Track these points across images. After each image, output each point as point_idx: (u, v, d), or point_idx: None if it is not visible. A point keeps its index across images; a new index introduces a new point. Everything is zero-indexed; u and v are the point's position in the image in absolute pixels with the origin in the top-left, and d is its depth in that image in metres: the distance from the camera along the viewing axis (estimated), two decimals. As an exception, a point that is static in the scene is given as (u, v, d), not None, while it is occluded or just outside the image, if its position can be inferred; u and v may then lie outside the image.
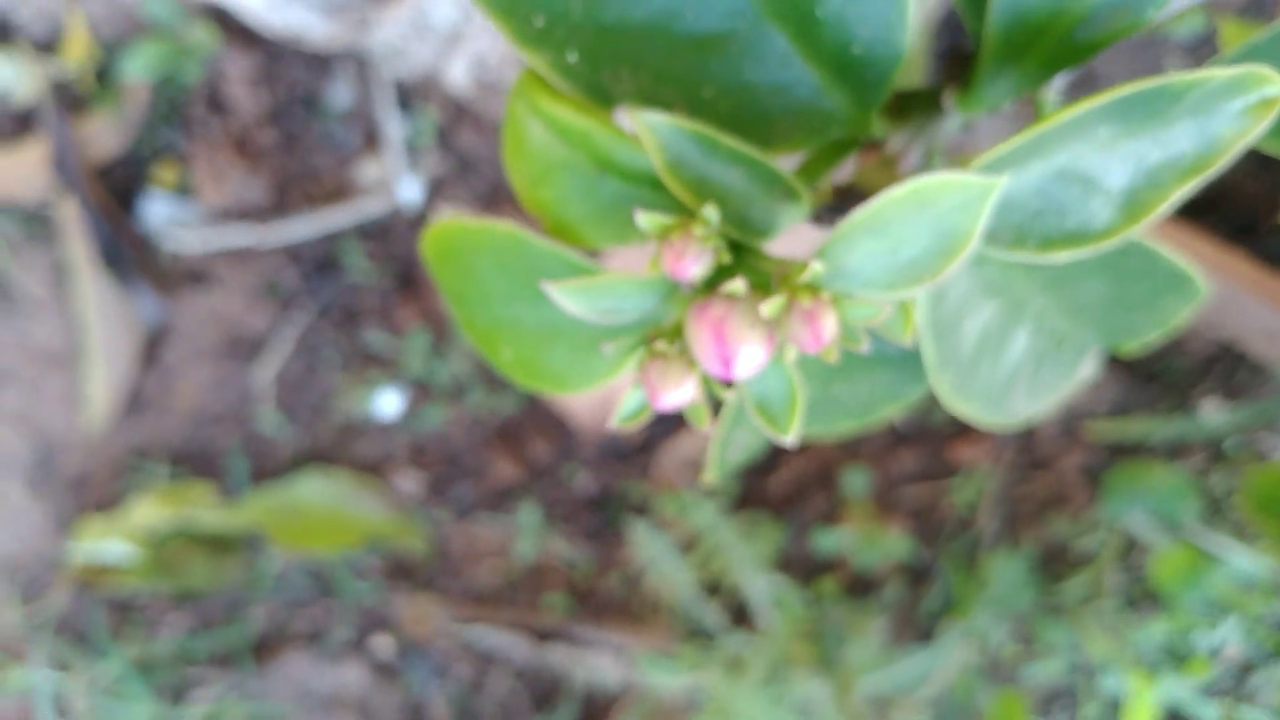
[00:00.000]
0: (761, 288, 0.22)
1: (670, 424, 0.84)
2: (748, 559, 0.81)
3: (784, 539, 0.86)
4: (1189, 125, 0.22)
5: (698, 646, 0.83)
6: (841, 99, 0.22)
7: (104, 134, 0.72)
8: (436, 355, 0.79)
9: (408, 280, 0.78)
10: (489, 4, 0.22)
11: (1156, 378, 0.83)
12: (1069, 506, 0.88)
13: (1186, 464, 0.82)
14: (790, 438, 0.23)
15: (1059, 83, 0.28)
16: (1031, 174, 0.22)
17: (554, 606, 0.86)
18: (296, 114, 0.73)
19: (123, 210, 0.74)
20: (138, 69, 0.68)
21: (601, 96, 0.22)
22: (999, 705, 0.76)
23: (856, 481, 0.85)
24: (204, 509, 0.80)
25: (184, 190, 0.74)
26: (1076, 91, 0.67)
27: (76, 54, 0.69)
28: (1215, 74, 0.21)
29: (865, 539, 0.86)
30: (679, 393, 0.23)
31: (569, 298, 0.22)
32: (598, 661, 0.87)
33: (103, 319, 0.74)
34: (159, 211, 0.74)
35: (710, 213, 0.21)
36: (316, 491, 0.81)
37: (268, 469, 0.82)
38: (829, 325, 0.21)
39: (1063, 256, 0.23)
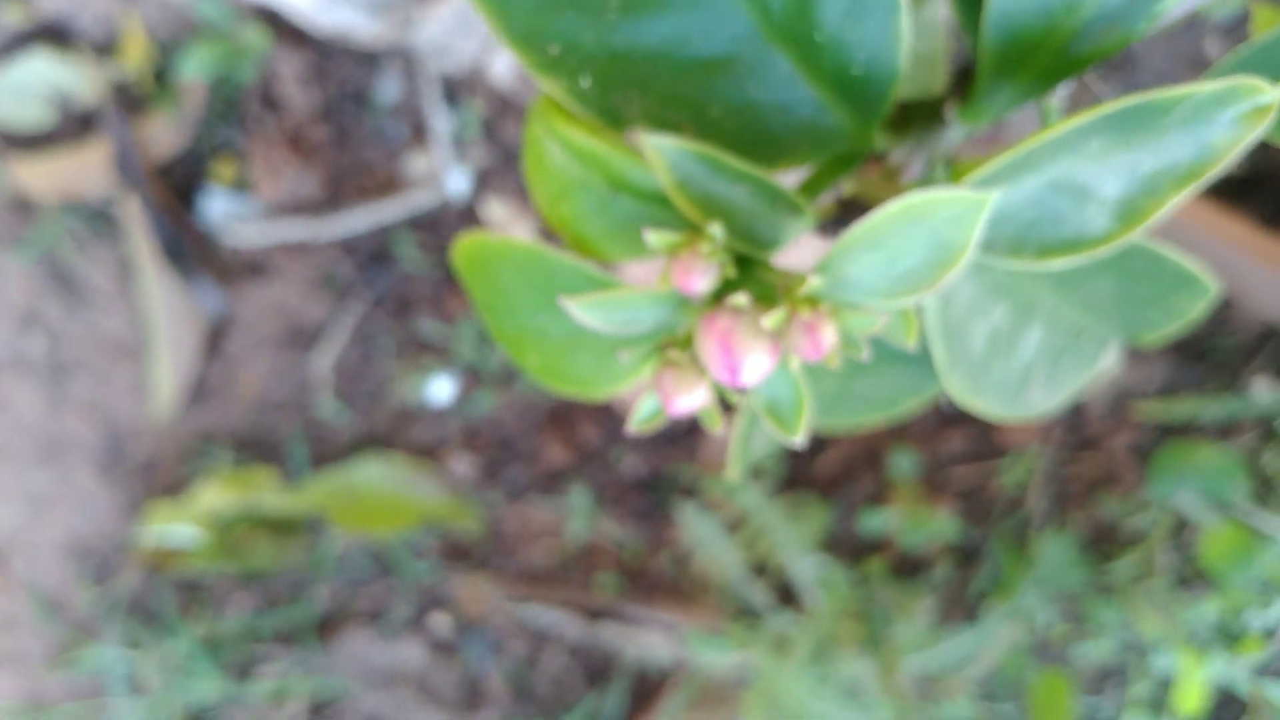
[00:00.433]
0: (766, 299, 0.23)
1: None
2: (793, 540, 0.82)
3: (831, 520, 0.87)
4: (1183, 134, 0.23)
5: (746, 625, 0.85)
6: (843, 116, 0.23)
7: (164, 133, 0.74)
8: (486, 343, 0.81)
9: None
10: (507, 35, 0.23)
11: (1205, 356, 0.82)
12: (1119, 486, 0.88)
13: (1236, 443, 0.82)
14: (799, 439, 0.24)
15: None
16: (1026, 186, 0.23)
17: (605, 586, 0.87)
18: (347, 110, 0.76)
19: (183, 206, 0.77)
20: (194, 69, 0.71)
21: (614, 119, 0.23)
22: (1044, 685, 0.76)
23: (904, 463, 0.86)
24: (267, 493, 0.83)
25: (242, 186, 0.77)
26: (1113, 75, 0.67)
27: (135, 57, 0.72)
28: (1201, 88, 0.22)
29: (912, 520, 0.86)
30: (691, 398, 0.24)
31: (586, 311, 0.23)
32: (649, 639, 0.88)
33: (167, 311, 0.77)
34: (218, 207, 0.77)
35: (716, 230, 0.22)
36: (374, 475, 0.84)
37: (328, 454, 0.84)
38: (828, 336, 0.22)
39: (1060, 263, 0.23)
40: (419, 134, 0.77)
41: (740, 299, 0.22)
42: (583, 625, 0.87)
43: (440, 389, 0.82)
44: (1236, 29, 0.58)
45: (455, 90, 0.76)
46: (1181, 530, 0.85)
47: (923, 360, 0.35)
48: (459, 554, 0.87)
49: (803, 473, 0.88)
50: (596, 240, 0.24)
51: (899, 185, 0.24)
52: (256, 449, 0.84)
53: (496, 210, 0.76)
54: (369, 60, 0.75)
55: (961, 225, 0.22)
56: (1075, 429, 0.88)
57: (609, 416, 0.84)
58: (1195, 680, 0.81)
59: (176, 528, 0.81)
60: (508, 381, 0.82)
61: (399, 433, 0.84)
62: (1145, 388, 0.84)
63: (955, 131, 0.25)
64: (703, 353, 0.23)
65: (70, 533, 0.83)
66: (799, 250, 0.26)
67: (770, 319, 0.22)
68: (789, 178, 0.25)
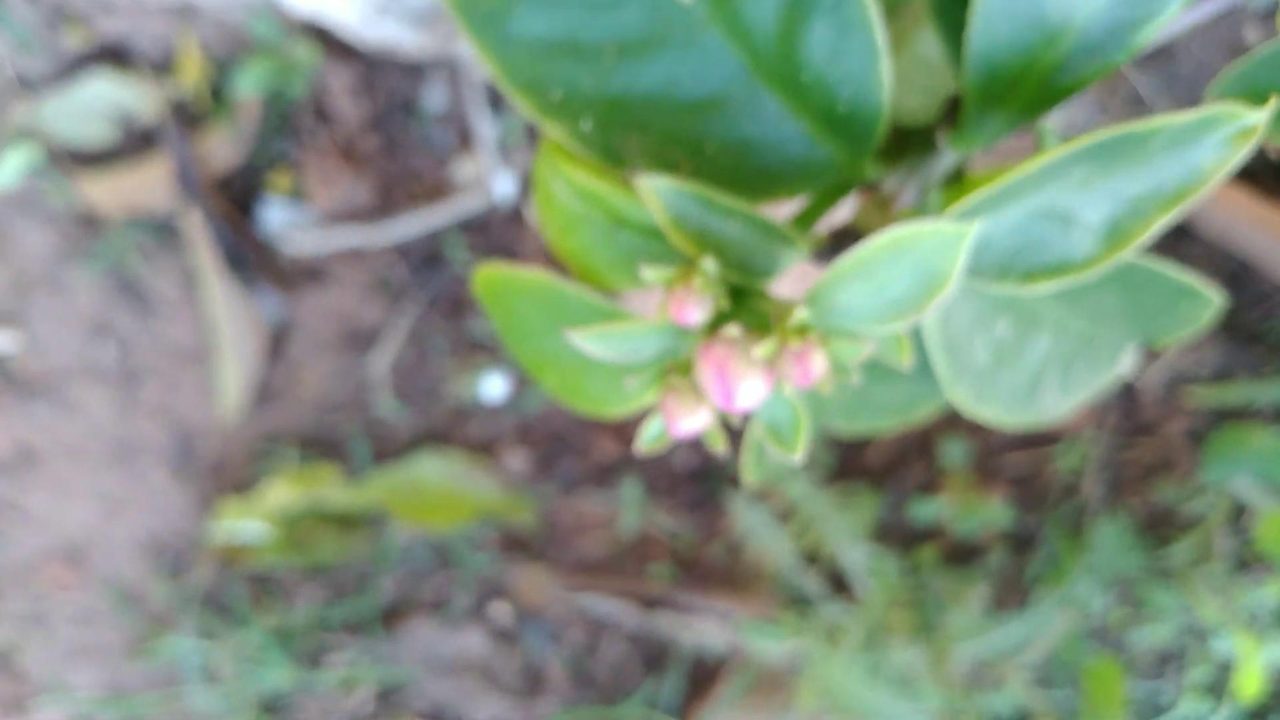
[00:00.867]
0: (761, 327, 0.24)
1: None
2: (843, 529, 0.83)
3: (882, 509, 0.88)
4: (1168, 158, 0.24)
5: (798, 614, 0.86)
6: (833, 150, 0.24)
7: (221, 147, 0.77)
8: (537, 341, 0.82)
9: (507, 270, 0.82)
10: (510, 82, 0.25)
11: (1261, 339, 0.81)
12: (1175, 471, 0.87)
13: (1292, 427, 0.81)
14: (798, 457, 0.26)
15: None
16: (1010, 215, 0.24)
17: (659, 575, 0.89)
18: (396, 120, 0.78)
19: (243, 217, 0.80)
20: (248, 86, 0.73)
21: (614, 158, 0.25)
22: (1097, 672, 0.76)
23: (955, 451, 0.86)
24: (331, 489, 0.86)
25: (298, 195, 0.79)
26: (1151, 64, 0.67)
27: (191, 75, 0.75)
28: (1176, 119, 0.23)
29: (964, 508, 0.86)
30: (694, 419, 0.25)
31: (591, 343, 0.24)
32: (703, 627, 0.90)
33: (230, 318, 0.80)
34: (276, 216, 0.79)
35: (709, 265, 0.23)
36: (433, 471, 0.86)
37: (387, 450, 0.87)
38: (817, 364, 0.23)
39: (1047, 287, 0.24)
40: (465, 141, 0.79)
41: (733, 330, 0.23)
42: (638, 614, 0.89)
43: (493, 386, 0.84)
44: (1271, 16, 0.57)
45: (499, 98, 0.77)
46: (1240, 514, 0.85)
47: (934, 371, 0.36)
48: (516, 546, 0.89)
49: (854, 462, 0.88)
50: (602, 271, 0.26)
51: (892, 213, 0.25)
52: (320, 447, 0.87)
53: (543, 211, 0.78)
54: (415, 71, 0.77)
55: (945, 255, 0.23)
56: (1129, 414, 0.87)
57: (659, 410, 0.85)
58: (1254, 665, 0.80)
59: (246, 524, 0.84)
60: (559, 378, 0.84)
61: (455, 429, 0.86)
62: (1199, 371, 0.84)
63: (948, 158, 0.26)
64: (701, 379, 0.24)
65: (145, 530, 0.87)
66: (800, 276, 0.27)
67: (762, 349, 0.23)
68: (786, 207, 0.27)
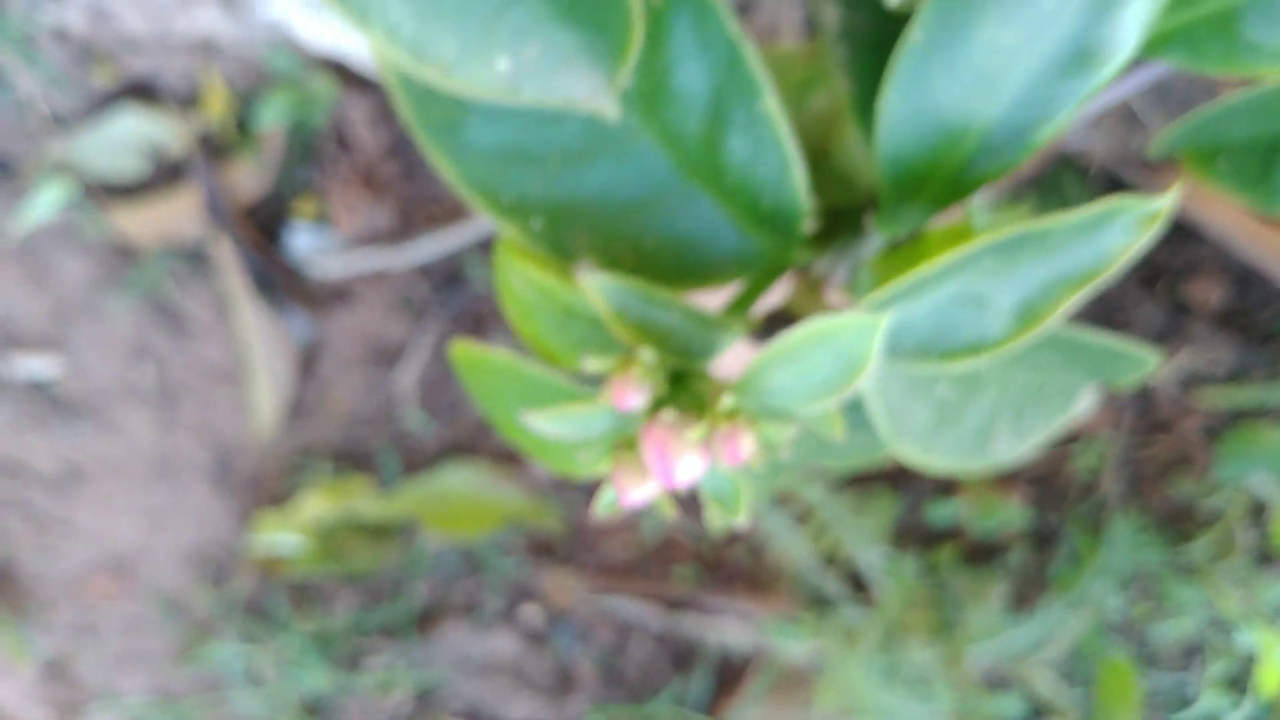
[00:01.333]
0: (699, 408, 0.26)
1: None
2: (860, 531, 0.85)
3: (900, 510, 0.89)
4: (1076, 244, 0.25)
5: (818, 614, 0.88)
6: (762, 241, 0.26)
7: (248, 177, 0.80)
8: (556, 355, 0.85)
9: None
10: (465, 187, 0.27)
11: (1274, 338, 0.82)
12: (1193, 467, 0.88)
13: (1306, 425, 0.81)
14: (741, 521, 0.28)
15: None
16: (926, 302, 0.25)
17: (684, 577, 0.91)
18: (413, 147, 0.80)
19: (270, 243, 0.83)
20: (271, 118, 0.76)
21: (563, 253, 0.27)
22: (1110, 672, 0.77)
23: (970, 452, 0.87)
24: (363, 500, 0.89)
25: (323, 221, 0.82)
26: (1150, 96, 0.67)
27: (216, 108, 0.78)
28: (1073, 217, 0.24)
29: (982, 508, 0.88)
30: (642, 490, 0.27)
31: (546, 423, 0.27)
32: (728, 627, 0.92)
33: (262, 339, 0.83)
34: (303, 242, 0.82)
35: (646, 355, 0.26)
36: (460, 480, 0.89)
37: (416, 462, 0.90)
38: (745, 446, 0.25)
39: (964, 365, 0.26)
40: (481, 163, 0.81)
41: (668, 416, 0.25)
42: (664, 615, 0.91)
43: (515, 400, 0.86)
44: None
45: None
46: (1261, 509, 0.85)
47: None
48: (544, 550, 0.92)
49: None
50: (559, 352, 0.28)
51: (823, 295, 0.27)
52: (352, 460, 0.90)
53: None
54: (431, 96, 0.79)
55: (862, 342, 0.25)
56: (1146, 412, 0.88)
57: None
58: (1276, 659, 0.81)
59: (283, 536, 0.87)
60: (578, 390, 0.86)
61: (480, 440, 0.89)
62: (1214, 370, 0.84)
63: (874, 241, 0.28)
64: (645, 456, 0.26)
65: (188, 542, 0.91)
66: (744, 352, 0.29)
67: (694, 432, 0.25)
68: (726, 291, 0.28)
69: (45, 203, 0.79)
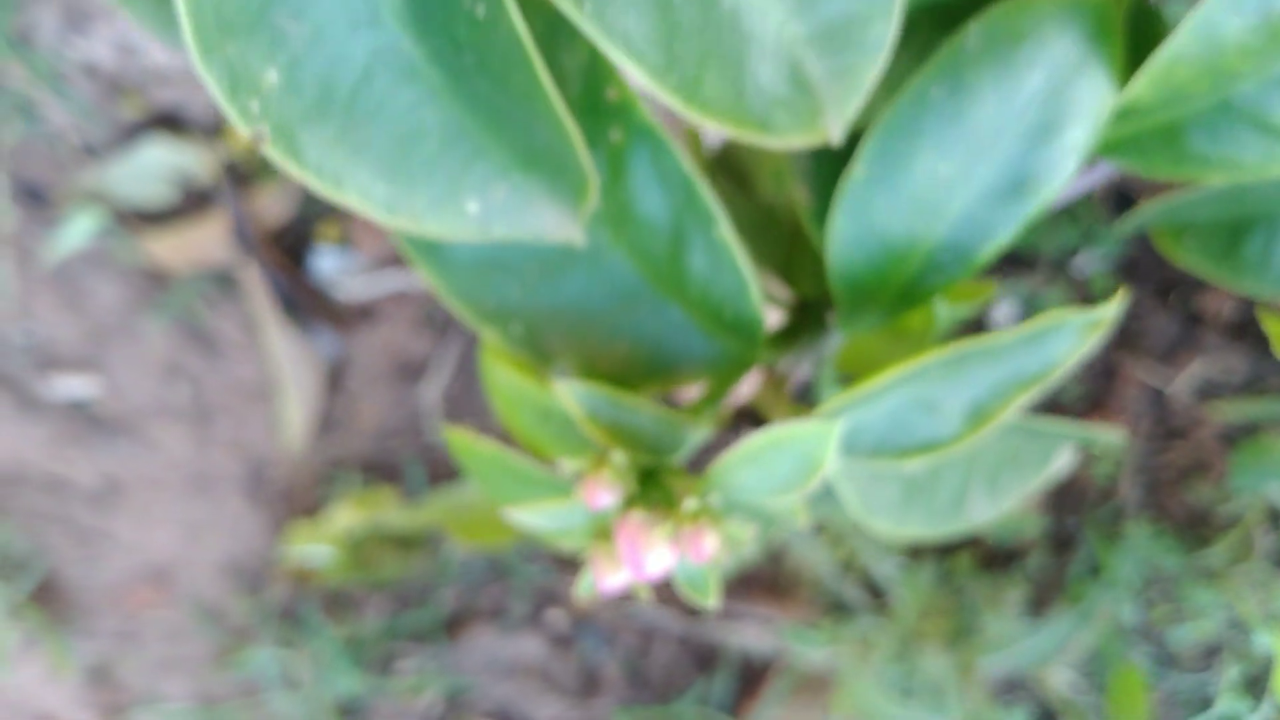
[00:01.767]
0: (668, 504, 0.28)
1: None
2: (874, 540, 0.86)
3: (916, 517, 0.90)
4: (1025, 351, 0.27)
5: (837, 620, 0.89)
6: (726, 345, 0.28)
7: (273, 203, 0.83)
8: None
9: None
10: (449, 294, 0.29)
11: (1289, 348, 0.82)
12: (1210, 473, 0.88)
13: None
14: (712, 603, 0.30)
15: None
16: (877, 409, 0.27)
17: (705, 584, 0.93)
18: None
19: (296, 266, 0.86)
20: (294, 147, 0.78)
21: (542, 355, 0.29)
22: (1120, 681, 0.78)
23: (985, 461, 0.88)
24: (391, 511, 0.92)
25: (346, 243, 0.85)
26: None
27: (241, 138, 0.80)
28: (1027, 328, 0.26)
29: (999, 517, 0.88)
30: (617, 578, 0.29)
31: (529, 517, 0.29)
32: (749, 631, 0.94)
33: (290, 357, 0.86)
34: (327, 264, 0.85)
35: (617, 458, 0.27)
36: (484, 492, 0.91)
37: (441, 473, 0.92)
38: (709, 543, 0.27)
39: (917, 463, 0.28)
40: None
41: (636, 516, 0.27)
42: (685, 619, 0.93)
43: (536, 414, 0.88)
44: None
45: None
46: (1279, 514, 0.86)
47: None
48: (566, 557, 0.94)
49: (887, 473, 0.91)
50: (542, 445, 0.30)
51: (785, 394, 0.29)
52: (380, 471, 0.93)
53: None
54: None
55: (818, 447, 0.26)
56: (1162, 420, 0.89)
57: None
58: (1290, 663, 0.82)
59: (315, 548, 0.90)
60: (597, 405, 0.88)
61: (504, 452, 0.91)
62: (1228, 379, 0.85)
63: (836, 338, 0.29)
64: (618, 548, 0.28)
65: (223, 552, 0.94)
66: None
67: (662, 530, 0.27)
68: (695, 388, 0.30)
69: (78, 230, 0.82)
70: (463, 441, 0.32)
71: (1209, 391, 0.85)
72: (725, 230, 0.25)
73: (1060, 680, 0.85)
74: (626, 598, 0.92)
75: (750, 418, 0.29)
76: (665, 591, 0.93)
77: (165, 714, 0.95)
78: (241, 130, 0.20)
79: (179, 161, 0.80)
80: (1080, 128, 0.24)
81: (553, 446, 0.30)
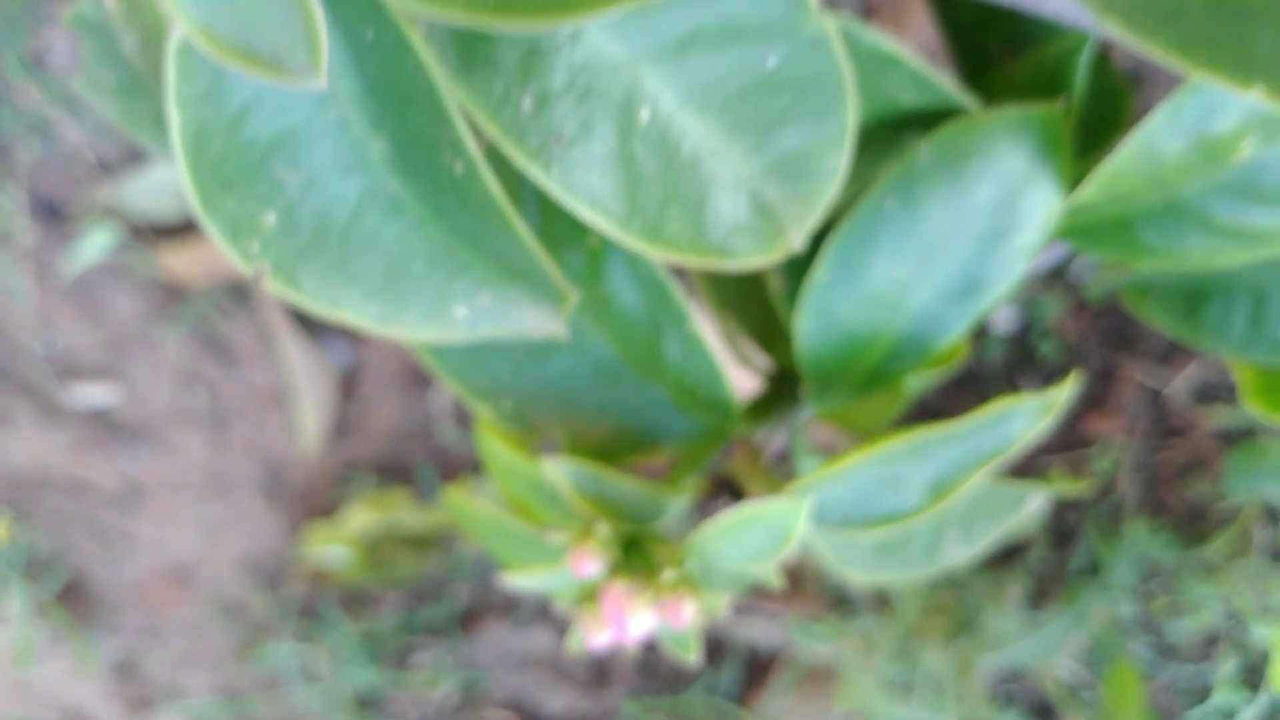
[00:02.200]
0: (650, 571, 0.30)
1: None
2: (878, 541, 0.88)
3: (918, 515, 0.92)
4: (982, 432, 0.28)
5: (841, 614, 0.91)
6: (704, 421, 0.30)
7: (285, 217, 0.85)
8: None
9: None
10: (445, 373, 0.30)
11: (1284, 351, 0.83)
12: (1208, 470, 0.90)
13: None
14: (694, 658, 0.32)
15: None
16: (845, 485, 0.29)
17: (712, 580, 0.95)
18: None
19: (308, 277, 0.88)
20: (304, 163, 0.80)
21: (532, 428, 0.31)
22: (1115, 677, 0.80)
23: (986, 459, 0.89)
24: (405, 512, 0.94)
25: (355, 253, 0.87)
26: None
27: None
28: (982, 415, 0.27)
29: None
30: (603, 638, 0.31)
31: (521, 580, 0.31)
32: (755, 624, 0.96)
33: (303, 365, 0.88)
34: (337, 274, 0.87)
35: (602, 530, 0.29)
36: (494, 491, 0.94)
37: (452, 475, 0.94)
38: (687, 612, 0.29)
39: (882, 533, 0.29)
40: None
41: (619, 585, 0.29)
42: (694, 614, 0.95)
43: (544, 418, 0.90)
44: None
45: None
46: (1276, 511, 0.87)
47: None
48: (577, 555, 0.96)
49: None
50: (533, 513, 0.32)
51: (761, 464, 0.31)
52: (393, 473, 0.95)
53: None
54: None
55: (789, 521, 0.28)
56: (1159, 419, 0.90)
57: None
58: (1284, 656, 0.83)
59: (331, 550, 0.93)
60: (604, 409, 0.90)
61: (514, 454, 0.93)
62: (1225, 380, 0.86)
63: (807, 411, 0.31)
64: (603, 612, 0.30)
65: (243, 551, 0.96)
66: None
67: (642, 599, 0.29)
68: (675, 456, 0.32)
69: (95, 244, 0.84)
70: (460, 501, 0.34)
71: (1206, 394, 0.86)
72: (695, 328, 0.27)
73: (1060, 673, 0.87)
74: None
75: (728, 486, 0.31)
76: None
77: (189, 707, 0.98)
78: (243, 268, 0.22)
79: (192, 177, 0.82)
80: (1029, 233, 0.26)
81: (543, 514, 0.32)
